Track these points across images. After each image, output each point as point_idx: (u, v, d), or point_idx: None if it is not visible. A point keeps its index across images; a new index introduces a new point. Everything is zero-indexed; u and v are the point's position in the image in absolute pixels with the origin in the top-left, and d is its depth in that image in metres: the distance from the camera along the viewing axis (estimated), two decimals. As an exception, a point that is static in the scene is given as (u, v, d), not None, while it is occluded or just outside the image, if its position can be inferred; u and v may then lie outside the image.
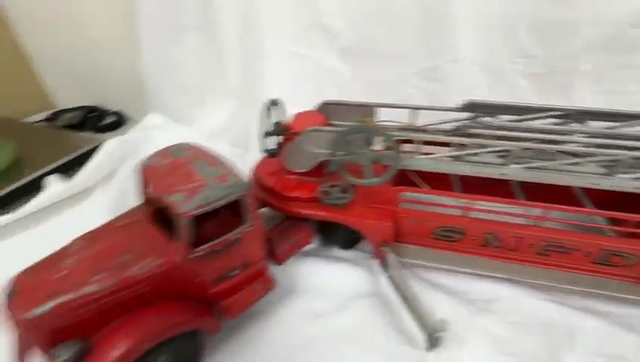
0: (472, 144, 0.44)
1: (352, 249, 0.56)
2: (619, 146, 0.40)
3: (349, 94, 0.73)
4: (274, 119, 0.53)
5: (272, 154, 0.54)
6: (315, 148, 0.48)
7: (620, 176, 0.41)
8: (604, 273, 0.46)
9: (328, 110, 0.55)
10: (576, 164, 0.42)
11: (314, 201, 0.50)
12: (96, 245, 0.37)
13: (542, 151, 0.43)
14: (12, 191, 0.69)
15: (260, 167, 0.58)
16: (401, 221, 0.49)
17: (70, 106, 1.10)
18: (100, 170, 0.74)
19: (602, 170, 0.42)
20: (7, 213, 0.63)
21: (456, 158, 0.45)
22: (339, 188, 0.49)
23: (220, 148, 0.81)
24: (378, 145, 0.45)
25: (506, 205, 0.45)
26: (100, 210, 0.67)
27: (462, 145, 0.45)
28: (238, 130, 0.84)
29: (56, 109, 1.10)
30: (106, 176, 0.76)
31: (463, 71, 0.63)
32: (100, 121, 1.05)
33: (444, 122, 0.53)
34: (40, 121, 1.05)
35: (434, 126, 0.53)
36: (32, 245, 0.57)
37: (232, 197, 0.37)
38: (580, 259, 0.46)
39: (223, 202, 0.36)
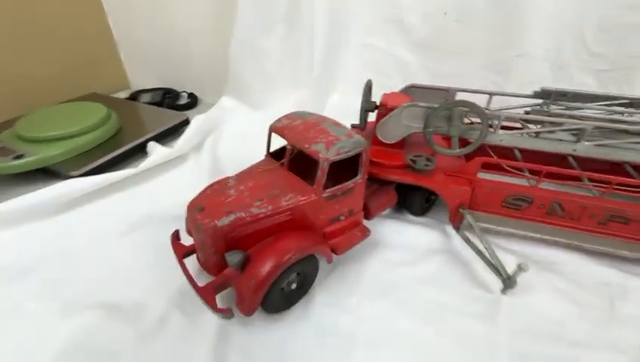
0: (548, 122, 0.51)
1: (424, 216, 0.65)
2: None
3: (416, 81, 0.82)
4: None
5: (361, 128, 0.63)
6: (409, 122, 0.56)
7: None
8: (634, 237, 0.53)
9: (412, 92, 0.64)
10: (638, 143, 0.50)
11: (401, 168, 0.59)
12: (248, 182, 0.46)
13: (609, 131, 0.50)
14: (122, 154, 0.81)
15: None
16: (477, 188, 0.57)
17: (146, 88, 1.24)
18: (193, 140, 0.86)
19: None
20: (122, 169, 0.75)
21: (533, 136, 0.53)
22: (424, 157, 0.58)
23: None
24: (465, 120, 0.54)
25: (571, 180, 0.53)
26: (193, 173, 0.78)
27: (538, 125, 0.53)
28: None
29: (134, 90, 1.24)
30: (195, 146, 0.87)
31: (527, 65, 0.70)
32: (175, 101, 1.17)
33: (516, 107, 0.61)
34: (124, 98, 1.18)
35: (508, 110, 0.60)
36: (146, 196, 0.69)
37: (358, 150, 0.46)
38: (636, 230, 0.53)
39: (352, 153, 0.45)
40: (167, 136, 0.92)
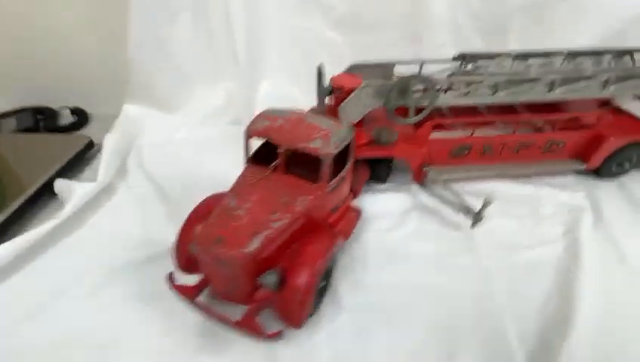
0: (474, 82, 0.62)
1: (387, 182, 0.72)
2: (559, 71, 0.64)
3: (343, 62, 0.85)
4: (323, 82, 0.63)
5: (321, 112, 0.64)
6: (369, 101, 0.60)
7: (558, 90, 0.65)
8: (551, 157, 0.72)
9: (357, 71, 0.67)
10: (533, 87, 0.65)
11: (368, 145, 0.62)
12: (250, 197, 0.43)
13: (515, 81, 0.64)
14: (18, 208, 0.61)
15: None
16: (431, 148, 0.66)
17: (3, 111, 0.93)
18: (112, 166, 0.71)
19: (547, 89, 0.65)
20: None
21: (466, 95, 0.63)
22: (387, 130, 0.63)
23: (218, 129, 0.85)
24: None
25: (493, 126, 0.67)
26: (131, 205, 0.67)
27: (467, 85, 0.63)
28: (241, 108, 0.87)
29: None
30: (118, 172, 0.73)
31: (435, 34, 0.81)
32: (55, 121, 0.92)
33: (440, 71, 0.70)
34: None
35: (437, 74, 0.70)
36: (85, 246, 0.57)
37: (349, 140, 0.47)
38: (536, 152, 0.71)
39: (346, 143, 0.46)
40: (72, 168, 0.73)
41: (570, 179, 0.74)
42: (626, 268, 0.55)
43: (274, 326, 0.41)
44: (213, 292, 0.43)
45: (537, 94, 0.64)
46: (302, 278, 0.39)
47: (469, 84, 0.62)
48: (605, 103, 0.75)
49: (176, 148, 0.82)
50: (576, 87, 0.65)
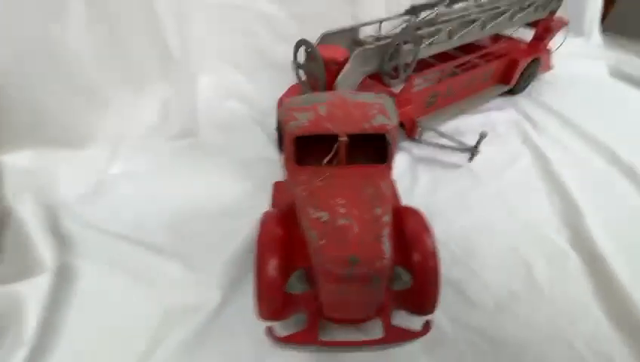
0: (438, 31, 0.66)
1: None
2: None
3: (287, 33, 0.77)
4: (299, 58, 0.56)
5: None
6: (363, 67, 0.56)
7: (488, 27, 0.75)
8: (487, 86, 0.85)
9: (329, 40, 0.61)
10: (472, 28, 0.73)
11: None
12: (336, 201, 0.36)
13: (462, 24, 0.70)
14: None
15: (287, 94, 0.61)
16: (415, 101, 0.68)
17: None
18: (42, 241, 0.49)
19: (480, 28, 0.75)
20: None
21: (430, 45, 0.66)
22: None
23: (164, 149, 0.69)
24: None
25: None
26: (108, 281, 0.49)
27: (430, 35, 0.66)
28: (184, 115, 0.70)
29: None
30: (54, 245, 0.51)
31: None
32: None
33: (395, 27, 0.72)
34: None
35: (395, 30, 0.71)
36: None
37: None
38: (479, 85, 0.82)
39: (397, 112, 0.43)
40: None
41: (498, 103, 0.89)
42: (570, 152, 0.73)
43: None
44: (332, 320, 0.36)
45: (476, 33, 0.73)
46: (429, 262, 0.36)
47: (432, 34, 0.65)
48: (498, 35, 0.91)
49: (116, 189, 0.61)
50: (498, 23, 0.76)
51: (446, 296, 0.41)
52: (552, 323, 0.43)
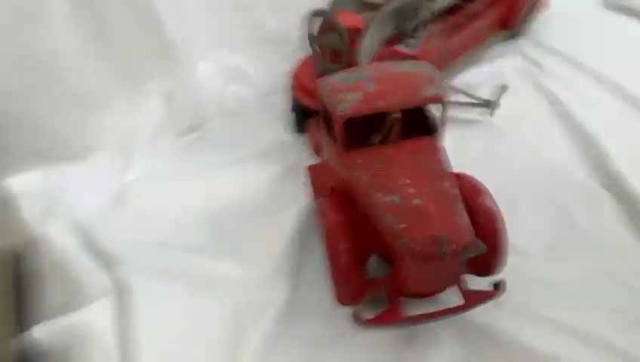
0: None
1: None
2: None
3: (280, 1, 0.71)
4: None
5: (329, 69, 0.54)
6: (381, 34, 0.53)
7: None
8: (490, 32, 0.83)
9: (339, 5, 0.57)
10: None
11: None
12: (403, 181, 0.35)
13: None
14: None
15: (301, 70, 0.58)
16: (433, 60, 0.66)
17: None
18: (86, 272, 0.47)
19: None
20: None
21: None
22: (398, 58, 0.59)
23: (177, 148, 0.65)
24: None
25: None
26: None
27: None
28: (191, 108, 0.65)
29: None
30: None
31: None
32: None
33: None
34: None
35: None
36: None
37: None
38: (485, 32, 0.80)
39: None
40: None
41: (500, 49, 0.88)
42: (582, 92, 0.73)
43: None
44: (412, 296, 0.37)
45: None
46: (497, 226, 0.37)
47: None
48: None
49: (137, 196, 0.58)
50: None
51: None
52: (602, 263, 0.46)
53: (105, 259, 0.48)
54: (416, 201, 0.34)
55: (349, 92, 0.38)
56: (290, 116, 0.66)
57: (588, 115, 0.66)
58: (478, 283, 0.40)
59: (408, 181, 0.36)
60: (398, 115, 0.37)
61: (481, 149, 0.63)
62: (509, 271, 0.45)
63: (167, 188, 0.59)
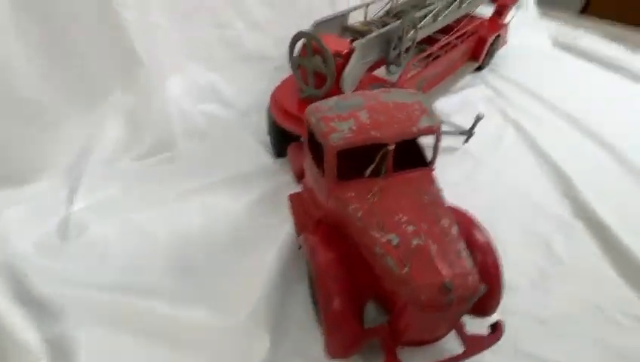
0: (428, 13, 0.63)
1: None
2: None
3: (259, 20, 0.68)
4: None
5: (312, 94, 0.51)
6: (365, 59, 0.52)
7: (462, 7, 0.75)
8: (461, 64, 0.87)
9: (323, 29, 0.55)
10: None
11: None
12: (399, 218, 0.33)
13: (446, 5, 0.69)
14: None
15: (280, 92, 0.55)
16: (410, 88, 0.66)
17: None
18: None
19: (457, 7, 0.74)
20: None
21: (421, 28, 0.64)
22: (379, 86, 0.58)
23: (133, 170, 0.59)
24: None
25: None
26: None
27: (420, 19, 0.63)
28: (157, 128, 0.58)
29: None
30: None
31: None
32: None
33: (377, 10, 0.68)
34: None
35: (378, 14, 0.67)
36: None
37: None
38: (456, 64, 0.83)
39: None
40: None
41: (467, 80, 0.92)
42: (543, 122, 0.78)
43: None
44: (410, 344, 0.34)
45: (455, 13, 0.73)
46: (493, 266, 0.36)
47: (422, 17, 0.63)
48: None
49: (85, 228, 0.49)
50: (472, 1, 0.77)
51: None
52: (582, 294, 0.46)
53: (40, 309, 0.39)
54: (416, 241, 0.31)
55: (342, 121, 0.35)
56: (269, 139, 0.63)
57: (551, 145, 0.70)
58: (472, 324, 0.38)
59: (405, 217, 0.33)
60: (391, 147, 0.35)
61: (461, 177, 0.63)
62: (500, 307, 0.44)
63: (122, 219, 0.51)
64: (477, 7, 0.83)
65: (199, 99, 0.65)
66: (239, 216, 0.53)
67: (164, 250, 0.48)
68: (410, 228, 0.32)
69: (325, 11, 0.61)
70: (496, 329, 0.36)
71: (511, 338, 0.41)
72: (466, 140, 0.68)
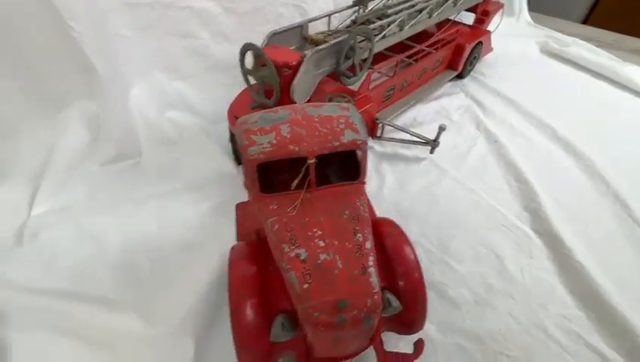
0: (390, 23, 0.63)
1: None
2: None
3: (226, 30, 0.69)
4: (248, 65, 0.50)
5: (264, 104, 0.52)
6: (317, 70, 0.52)
7: (434, 15, 0.74)
8: (437, 73, 0.86)
9: (277, 40, 0.56)
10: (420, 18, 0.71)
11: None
12: (313, 233, 0.33)
13: (411, 14, 0.68)
14: None
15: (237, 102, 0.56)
16: (373, 98, 0.66)
17: None
18: None
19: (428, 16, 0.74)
20: None
21: (383, 37, 0.63)
22: (337, 96, 0.58)
23: (95, 179, 0.61)
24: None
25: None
26: None
27: (382, 28, 0.63)
28: (118, 134, 0.60)
29: None
30: None
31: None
32: None
33: (343, 19, 0.68)
34: None
35: (344, 23, 0.67)
36: None
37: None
38: (430, 73, 0.83)
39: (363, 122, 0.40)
40: None
41: (447, 88, 0.91)
42: (517, 133, 0.76)
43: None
44: (324, 361, 0.34)
45: (424, 22, 0.72)
46: (416, 284, 0.35)
47: (384, 27, 0.63)
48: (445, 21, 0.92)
49: (42, 234, 0.51)
50: (444, 10, 0.76)
51: (431, 302, 0.40)
52: (527, 311, 0.45)
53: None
54: (323, 257, 0.31)
55: (263, 134, 0.35)
56: (230, 146, 0.63)
57: (520, 156, 0.68)
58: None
59: (320, 233, 0.33)
60: (312, 161, 0.35)
61: (422, 188, 0.62)
62: (439, 322, 0.43)
63: (78, 225, 0.52)
64: (451, 15, 0.82)
65: (166, 108, 0.67)
66: (191, 223, 0.53)
67: (112, 257, 0.49)
68: (321, 243, 0.32)
69: (295, 20, 0.62)
70: (417, 347, 0.35)
71: (446, 357, 0.41)
72: (432, 150, 0.68)
